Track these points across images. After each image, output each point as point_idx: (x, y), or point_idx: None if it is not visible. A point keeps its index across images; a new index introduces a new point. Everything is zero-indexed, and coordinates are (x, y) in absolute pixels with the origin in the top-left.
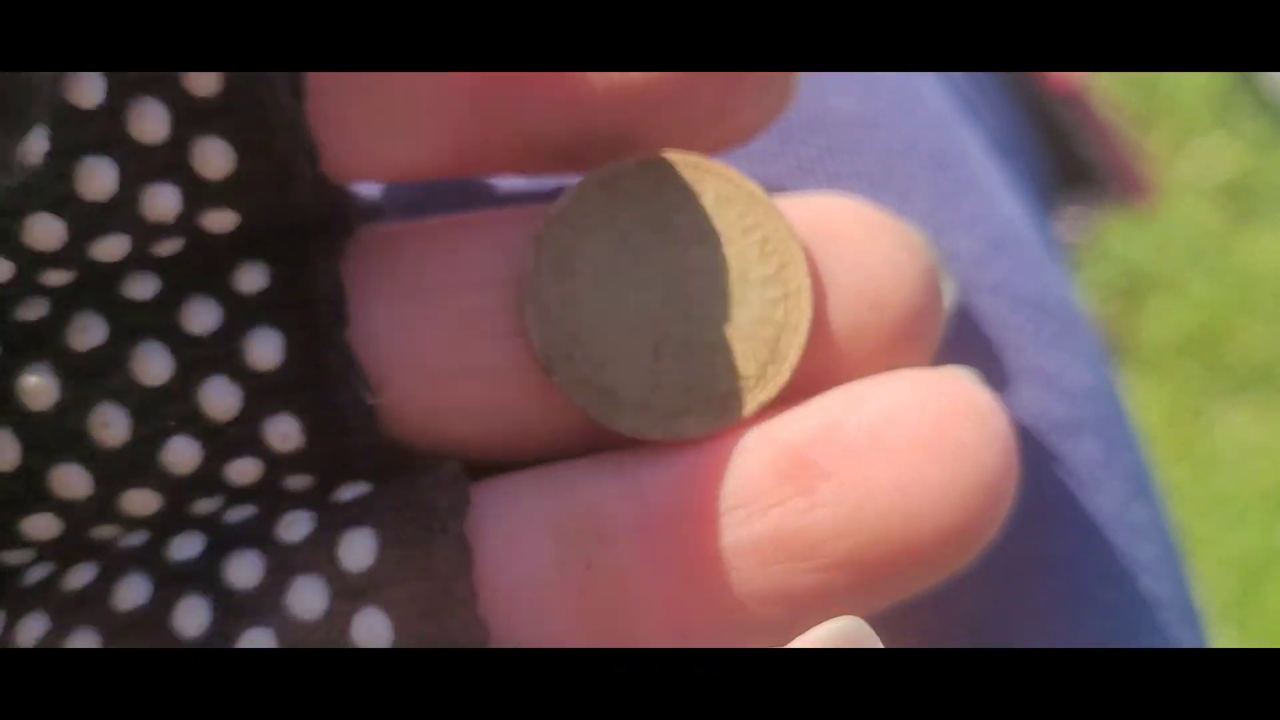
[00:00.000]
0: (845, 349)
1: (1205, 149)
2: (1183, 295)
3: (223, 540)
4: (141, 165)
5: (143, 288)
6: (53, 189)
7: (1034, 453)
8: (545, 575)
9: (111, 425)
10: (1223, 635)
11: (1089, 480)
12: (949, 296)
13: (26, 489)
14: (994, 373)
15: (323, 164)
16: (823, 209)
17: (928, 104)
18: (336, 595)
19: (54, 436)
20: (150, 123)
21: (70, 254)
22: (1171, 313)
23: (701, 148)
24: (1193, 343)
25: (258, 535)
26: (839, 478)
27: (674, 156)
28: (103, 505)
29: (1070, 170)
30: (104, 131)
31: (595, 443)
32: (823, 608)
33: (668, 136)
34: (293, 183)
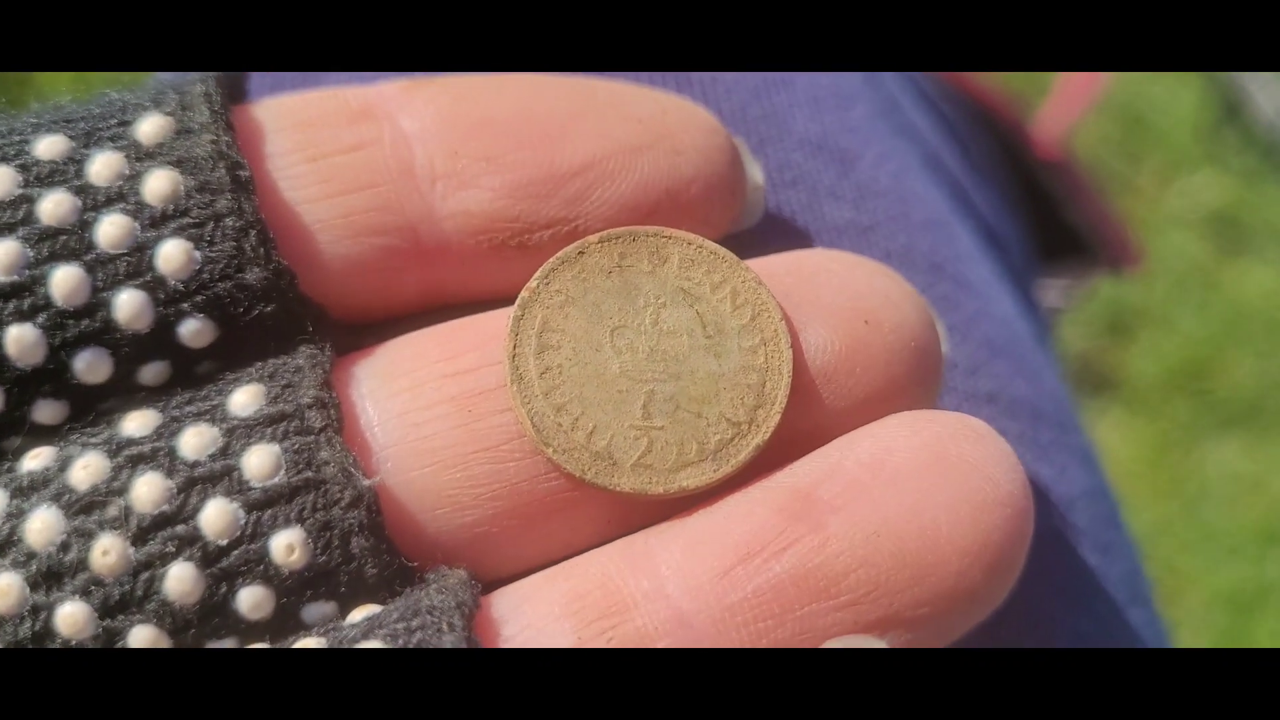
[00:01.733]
0: (847, 371)
1: (1193, 183)
2: (1171, 329)
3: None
4: (108, 272)
5: (141, 424)
6: (27, 298)
7: (1029, 566)
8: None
9: (110, 554)
10: None
11: (1083, 591)
12: (944, 341)
13: (32, 628)
14: None
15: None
16: (800, 256)
17: (923, 207)
18: None
19: (57, 572)
20: (115, 230)
21: (54, 370)
22: (1160, 347)
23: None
24: (1182, 377)
25: None
26: (848, 510)
27: (635, 229)
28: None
29: (1059, 239)
30: (71, 242)
31: (606, 521)
32: None
33: (624, 219)
34: (248, 265)
